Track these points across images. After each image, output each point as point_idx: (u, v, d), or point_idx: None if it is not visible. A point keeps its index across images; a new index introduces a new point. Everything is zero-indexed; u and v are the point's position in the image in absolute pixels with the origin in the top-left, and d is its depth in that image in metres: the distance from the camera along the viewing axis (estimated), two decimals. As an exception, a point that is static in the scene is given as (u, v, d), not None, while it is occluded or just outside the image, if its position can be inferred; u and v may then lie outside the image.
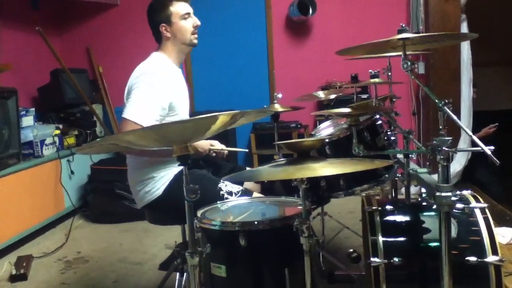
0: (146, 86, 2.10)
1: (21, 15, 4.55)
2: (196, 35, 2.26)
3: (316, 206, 2.61)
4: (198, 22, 2.26)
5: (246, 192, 2.13)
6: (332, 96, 3.05)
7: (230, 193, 2.11)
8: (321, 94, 3.05)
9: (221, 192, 2.11)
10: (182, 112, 2.25)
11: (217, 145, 2.28)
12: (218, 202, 1.91)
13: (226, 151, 2.33)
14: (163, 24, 2.21)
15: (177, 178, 2.16)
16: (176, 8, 2.21)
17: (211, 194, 2.06)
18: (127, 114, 2.05)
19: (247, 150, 2.54)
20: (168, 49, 2.26)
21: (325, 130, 2.56)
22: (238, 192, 2.11)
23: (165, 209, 2.20)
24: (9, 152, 3.47)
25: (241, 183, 2.20)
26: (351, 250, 1.74)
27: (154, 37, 2.29)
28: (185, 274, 2.23)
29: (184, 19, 2.22)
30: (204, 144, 2.22)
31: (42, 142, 3.86)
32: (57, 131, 4.06)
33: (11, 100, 3.51)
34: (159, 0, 2.24)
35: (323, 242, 2.88)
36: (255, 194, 2.11)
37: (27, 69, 4.47)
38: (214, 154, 2.28)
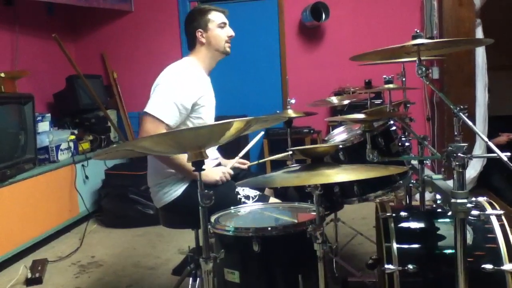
0: (169, 84, 2.15)
1: (37, 21, 4.63)
2: (229, 44, 2.36)
3: (329, 212, 2.60)
4: (233, 33, 2.36)
5: (263, 197, 2.13)
6: (346, 102, 3.04)
7: (247, 197, 2.11)
8: (334, 100, 3.03)
9: (239, 196, 2.12)
10: (207, 117, 2.27)
11: (228, 169, 2.26)
12: (232, 207, 1.91)
13: (245, 166, 2.42)
14: (200, 30, 2.30)
15: (196, 181, 2.16)
16: (213, 17, 2.32)
17: (229, 198, 2.07)
18: (148, 108, 2.11)
19: (256, 163, 2.57)
20: (200, 54, 2.32)
21: (339, 136, 2.55)
22: (255, 196, 2.12)
23: (182, 212, 2.21)
24: (25, 157, 3.51)
25: (258, 189, 2.20)
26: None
27: (188, 44, 2.37)
28: (198, 279, 2.24)
29: (220, 27, 2.33)
30: (214, 174, 2.19)
31: (58, 147, 3.91)
32: (72, 137, 4.11)
33: (27, 105, 3.56)
34: (199, 8, 2.35)
35: (337, 248, 2.87)
36: (272, 199, 2.11)
37: (43, 75, 4.54)
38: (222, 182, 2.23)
